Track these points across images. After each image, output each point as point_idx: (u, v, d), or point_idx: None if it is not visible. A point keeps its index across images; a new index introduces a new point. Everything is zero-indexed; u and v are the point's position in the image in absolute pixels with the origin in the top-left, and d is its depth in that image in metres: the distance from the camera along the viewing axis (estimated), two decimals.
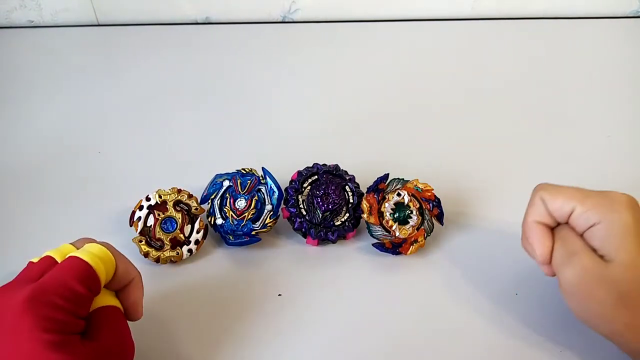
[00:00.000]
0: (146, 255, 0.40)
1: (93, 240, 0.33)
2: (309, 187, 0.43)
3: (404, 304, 0.39)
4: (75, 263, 0.30)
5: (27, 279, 0.29)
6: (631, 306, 0.31)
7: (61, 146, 0.53)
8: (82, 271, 0.29)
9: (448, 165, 0.49)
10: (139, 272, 0.34)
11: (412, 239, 0.41)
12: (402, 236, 0.41)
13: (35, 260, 0.31)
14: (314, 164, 0.44)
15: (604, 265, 0.31)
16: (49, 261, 0.30)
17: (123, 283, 0.33)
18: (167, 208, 0.41)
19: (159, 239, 0.41)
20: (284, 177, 0.43)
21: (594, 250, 0.32)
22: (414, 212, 0.41)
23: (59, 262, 0.30)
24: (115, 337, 0.30)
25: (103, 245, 0.32)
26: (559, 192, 0.33)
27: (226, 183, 0.43)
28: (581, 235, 0.33)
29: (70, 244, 0.32)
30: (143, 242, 0.40)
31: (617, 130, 0.53)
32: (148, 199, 0.41)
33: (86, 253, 0.30)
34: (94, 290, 0.30)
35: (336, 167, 0.44)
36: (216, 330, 0.37)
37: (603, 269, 0.31)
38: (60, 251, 0.31)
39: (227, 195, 0.43)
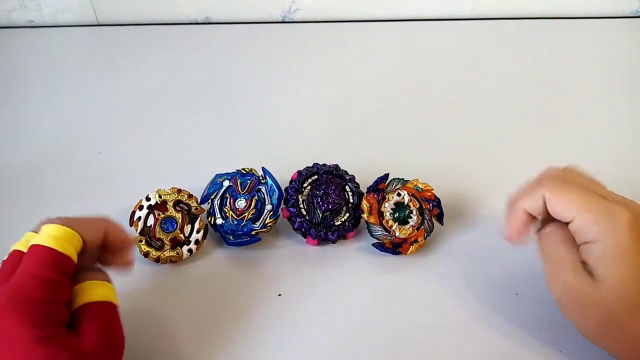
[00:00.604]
0: (146, 255, 0.40)
1: (50, 220, 0.31)
2: (309, 187, 0.43)
3: (404, 304, 0.39)
4: (38, 251, 0.29)
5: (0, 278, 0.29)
6: (620, 327, 0.30)
7: (61, 146, 0.53)
8: (47, 257, 0.29)
9: (448, 165, 0.49)
10: (107, 220, 0.33)
11: (412, 239, 0.41)
12: (402, 236, 0.41)
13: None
14: (314, 164, 0.44)
15: (592, 285, 0.31)
16: (16, 255, 0.30)
17: (97, 243, 0.32)
18: (167, 208, 0.41)
19: (159, 239, 0.41)
20: (284, 177, 0.43)
21: (585, 264, 0.31)
22: (414, 212, 0.41)
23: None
24: (104, 335, 0.30)
25: (60, 222, 0.31)
26: (563, 196, 0.32)
27: (226, 183, 0.43)
28: (578, 245, 0.32)
29: (32, 231, 0.32)
30: (143, 242, 0.40)
31: (617, 130, 0.53)
32: (148, 199, 0.41)
33: (45, 237, 0.30)
34: (68, 271, 0.30)
35: (336, 167, 0.44)
36: (216, 330, 0.37)
37: (590, 290, 0.31)
38: (24, 243, 0.31)
39: (227, 195, 0.43)
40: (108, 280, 0.33)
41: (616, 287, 0.30)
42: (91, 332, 0.29)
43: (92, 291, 0.31)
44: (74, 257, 0.30)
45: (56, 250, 0.29)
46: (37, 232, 0.31)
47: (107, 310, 0.31)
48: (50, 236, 0.30)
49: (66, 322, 0.29)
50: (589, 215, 0.31)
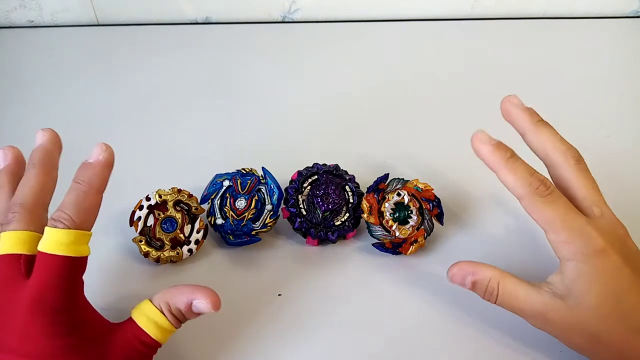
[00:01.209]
0: (146, 255, 0.40)
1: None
2: (309, 187, 0.43)
3: (404, 304, 0.39)
4: (56, 264, 0.29)
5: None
6: (603, 344, 0.31)
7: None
8: (71, 270, 0.29)
9: (448, 165, 0.49)
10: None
11: (412, 239, 0.41)
12: (402, 236, 0.41)
13: None
14: (314, 164, 0.44)
15: (569, 307, 0.31)
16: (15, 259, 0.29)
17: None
18: (167, 208, 0.41)
19: (159, 239, 0.41)
20: (284, 177, 0.43)
21: (551, 284, 0.32)
22: (414, 212, 0.41)
23: (22, 254, 0.29)
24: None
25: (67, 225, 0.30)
26: (544, 208, 0.31)
27: (226, 183, 0.43)
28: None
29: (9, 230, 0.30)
30: (143, 242, 0.40)
31: (617, 130, 0.53)
32: (148, 199, 0.41)
33: (59, 246, 0.29)
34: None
35: (336, 167, 0.44)
36: (216, 330, 0.37)
37: (568, 312, 0.31)
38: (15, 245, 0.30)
39: (227, 195, 0.43)
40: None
41: (593, 306, 0.30)
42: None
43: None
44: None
45: (77, 258, 0.30)
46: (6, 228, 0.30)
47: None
48: (65, 245, 0.29)
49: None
50: (563, 234, 0.31)
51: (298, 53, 0.65)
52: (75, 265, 0.30)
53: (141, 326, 0.30)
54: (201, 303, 0.31)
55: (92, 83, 0.61)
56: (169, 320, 0.31)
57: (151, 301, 0.31)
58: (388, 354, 0.36)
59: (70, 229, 0.30)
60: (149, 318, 0.30)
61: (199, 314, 0.32)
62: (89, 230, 0.32)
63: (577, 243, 0.31)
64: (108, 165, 0.33)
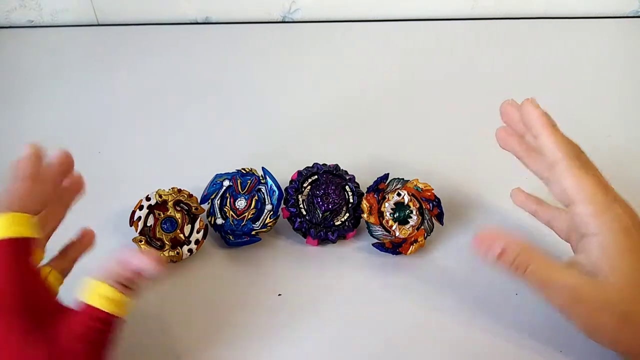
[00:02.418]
0: None
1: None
2: (309, 187, 0.43)
3: (404, 303, 0.39)
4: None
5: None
6: (634, 324, 0.30)
7: (61, 146, 0.52)
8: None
9: (448, 165, 0.49)
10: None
11: (412, 239, 0.41)
12: (402, 236, 0.41)
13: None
14: (314, 164, 0.44)
15: (596, 286, 0.30)
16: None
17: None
18: (167, 208, 0.41)
19: (159, 239, 0.41)
20: (284, 177, 0.43)
21: (578, 263, 0.31)
22: (414, 212, 0.41)
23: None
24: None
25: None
26: (576, 176, 0.32)
27: (226, 183, 0.43)
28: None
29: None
30: (143, 242, 0.40)
31: (617, 130, 0.53)
32: (148, 199, 0.41)
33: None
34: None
35: (336, 167, 0.44)
36: (216, 330, 0.37)
37: (595, 291, 0.30)
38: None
39: (227, 195, 0.43)
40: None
41: (622, 285, 0.30)
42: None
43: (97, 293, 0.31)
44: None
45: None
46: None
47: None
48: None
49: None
50: (591, 207, 0.31)
51: (298, 53, 0.65)
52: (18, 247, 0.30)
53: (92, 304, 0.30)
54: (143, 264, 0.31)
55: (92, 83, 0.61)
56: (119, 291, 0.31)
57: (97, 280, 0.31)
58: (388, 354, 0.36)
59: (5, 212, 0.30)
60: (99, 295, 0.30)
61: (147, 278, 0.32)
62: (28, 214, 0.31)
63: (606, 217, 0.30)
64: (33, 156, 0.34)
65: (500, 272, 0.40)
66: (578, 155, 0.33)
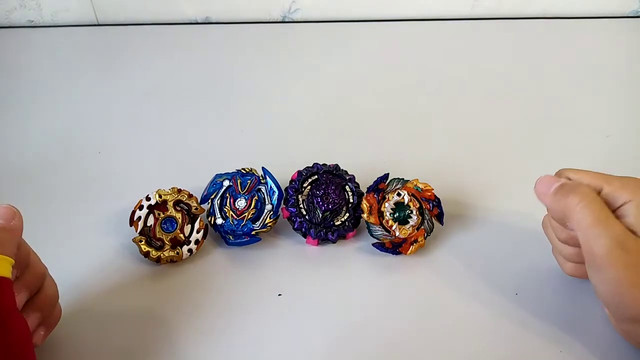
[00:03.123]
0: (146, 255, 0.40)
1: None
2: (309, 187, 0.43)
3: (404, 303, 0.39)
4: None
5: None
6: None
7: (61, 146, 0.53)
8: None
9: (448, 165, 0.49)
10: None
11: (412, 239, 0.41)
12: (402, 236, 0.41)
13: None
14: (314, 164, 0.44)
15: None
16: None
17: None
18: (167, 208, 0.41)
19: (159, 239, 0.41)
20: (284, 177, 0.43)
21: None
22: (414, 212, 0.41)
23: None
24: None
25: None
26: (584, 173, 0.34)
27: (226, 183, 0.43)
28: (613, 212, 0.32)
29: None
30: (143, 242, 0.40)
31: (617, 130, 0.53)
32: (148, 199, 0.41)
33: None
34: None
35: (336, 167, 0.44)
36: (216, 330, 0.37)
37: None
38: None
39: (227, 195, 0.43)
40: None
41: None
42: None
43: None
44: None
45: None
46: None
47: None
48: None
49: None
50: (615, 181, 0.33)
51: (298, 53, 0.65)
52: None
53: None
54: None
55: (92, 83, 0.61)
56: None
57: None
58: (388, 354, 0.36)
59: None
60: None
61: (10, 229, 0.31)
62: None
63: (632, 184, 0.32)
64: None
65: (500, 272, 0.40)
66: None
